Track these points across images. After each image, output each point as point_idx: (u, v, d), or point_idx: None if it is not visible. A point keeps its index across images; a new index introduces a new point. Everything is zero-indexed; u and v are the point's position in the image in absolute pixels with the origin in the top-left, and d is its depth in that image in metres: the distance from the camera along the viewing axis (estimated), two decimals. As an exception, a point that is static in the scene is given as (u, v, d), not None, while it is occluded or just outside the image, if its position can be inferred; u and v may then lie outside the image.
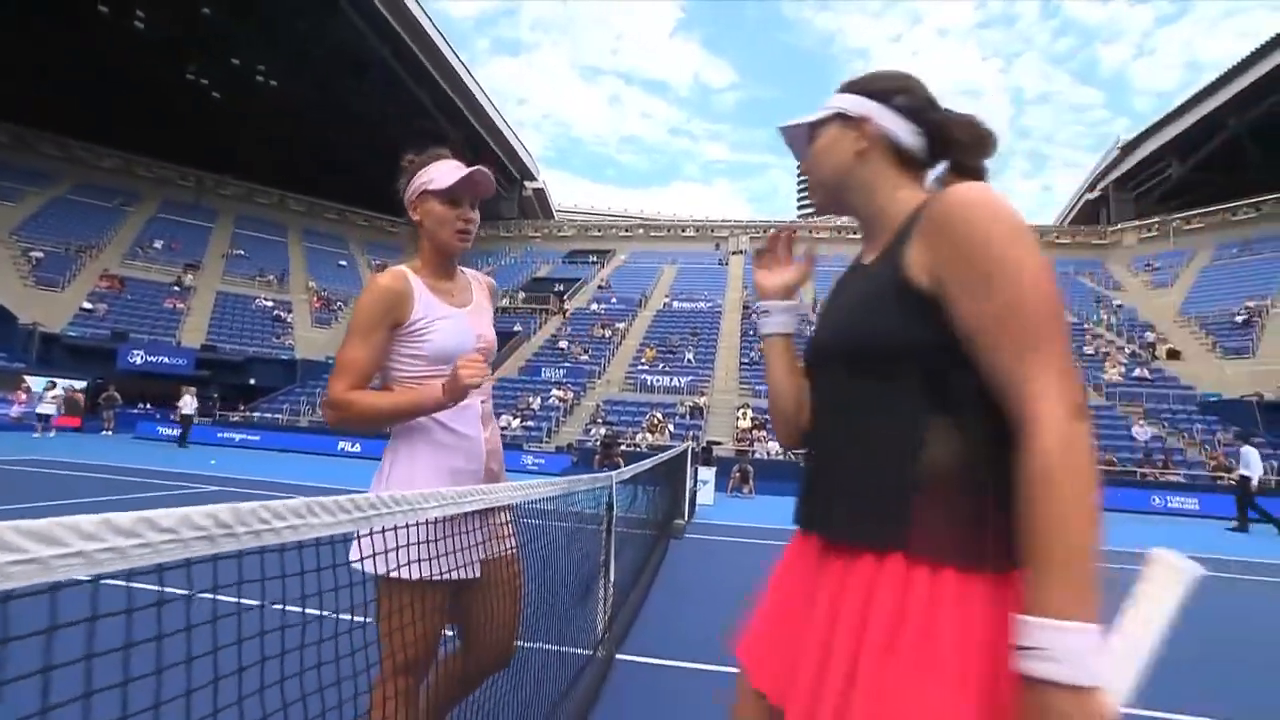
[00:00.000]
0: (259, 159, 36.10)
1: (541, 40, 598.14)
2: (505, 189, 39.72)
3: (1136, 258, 32.10)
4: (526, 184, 40.40)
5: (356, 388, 1.37)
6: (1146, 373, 20.70)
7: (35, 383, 17.82)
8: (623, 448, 11.47)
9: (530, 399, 19.76)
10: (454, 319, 1.51)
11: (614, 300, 28.98)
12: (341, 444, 17.58)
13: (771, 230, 0.96)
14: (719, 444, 15.50)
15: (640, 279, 32.00)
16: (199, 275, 28.79)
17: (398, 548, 1.08)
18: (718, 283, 31.27)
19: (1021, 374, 0.70)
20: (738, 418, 17.97)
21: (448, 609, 1.41)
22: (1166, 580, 0.67)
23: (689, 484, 8.02)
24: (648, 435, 16.59)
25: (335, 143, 35.48)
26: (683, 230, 38.52)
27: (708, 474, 10.14)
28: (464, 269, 1.71)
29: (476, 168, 1.53)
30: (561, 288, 30.03)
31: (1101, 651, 0.61)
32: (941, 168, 0.93)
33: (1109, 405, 19.27)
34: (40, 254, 25.47)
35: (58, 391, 17.23)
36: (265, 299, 28.95)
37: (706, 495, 9.97)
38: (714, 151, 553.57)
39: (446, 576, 1.27)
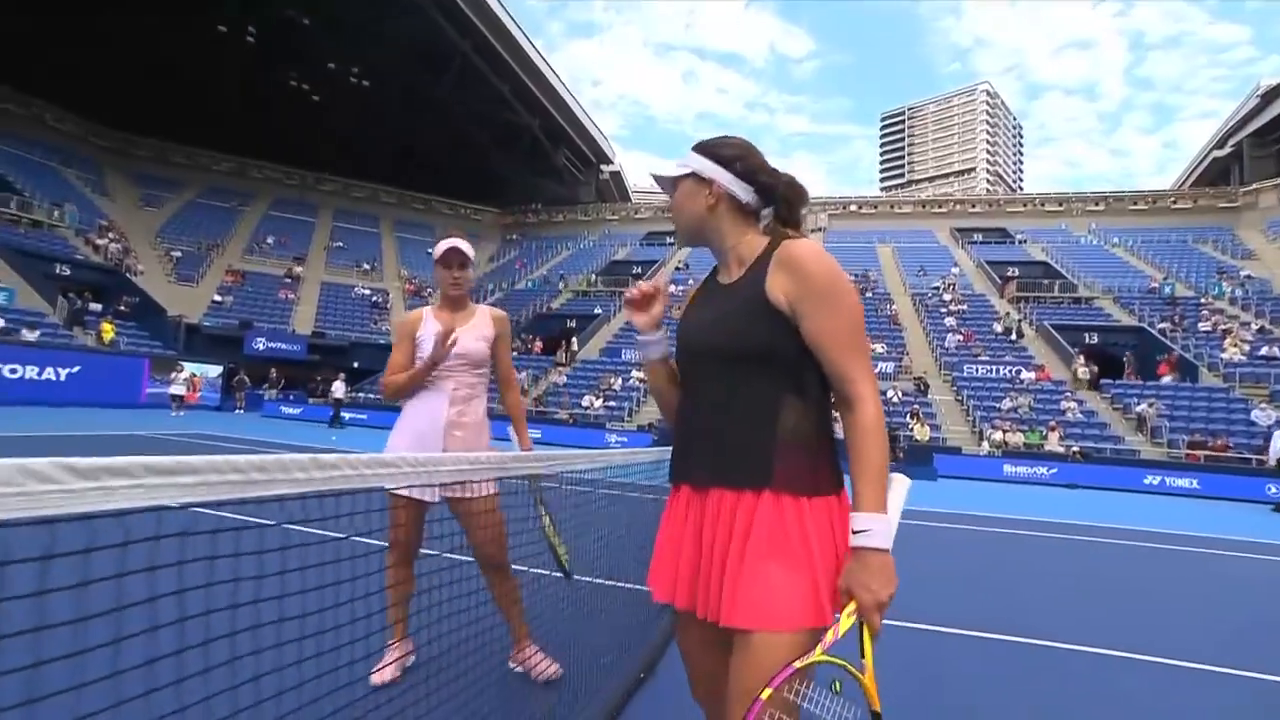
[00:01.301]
0: (353, 155, 39.01)
1: (614, 20, 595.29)
2: (583, 173, 40.97)
3: (1274, 220, 29.32)
4: (603, 168, 41.44)
5: (398, 375, 2.40)
6: (1278, 350, 19.29)
7: (191, 368, 20.82)
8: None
9: (612, 380, 20.93)
10: (438, 336, 2.34)
11: (692, 281, 29.56)
12: (440, 422, 19.42)
13: (638, 288, 1.31)
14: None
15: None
16: (305, 267, 31.81)
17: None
18: (795, 261, 31.26)
19: (849, 369, 1.09)
20: (813, 398, 18.38)
21: (452, 517, 2.31)
22: (900, 488, 1.14)
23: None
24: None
25: (421, 135, 37.80)
26: (759, 208, 38.51)
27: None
28: (483, 306, 2.56)
29: (449, 246, 2.38)
30: (640, 270, 30.97)
31: (890, 531, 1.05)
32: (768, 212, 1.26)
33: (1225, 387, 18.23)
34: (179, 253, 29.08)
35: (187, 375, 20.04)
36: (363, 287, 31.65)
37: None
38: (793, 124, 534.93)
39: (406, 493, 2.22)
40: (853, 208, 37.63)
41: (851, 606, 1.02)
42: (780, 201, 1.23)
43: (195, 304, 26.06)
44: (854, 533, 1.04)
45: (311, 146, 38.09)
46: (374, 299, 30.55)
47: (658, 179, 1.30)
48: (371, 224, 38.16)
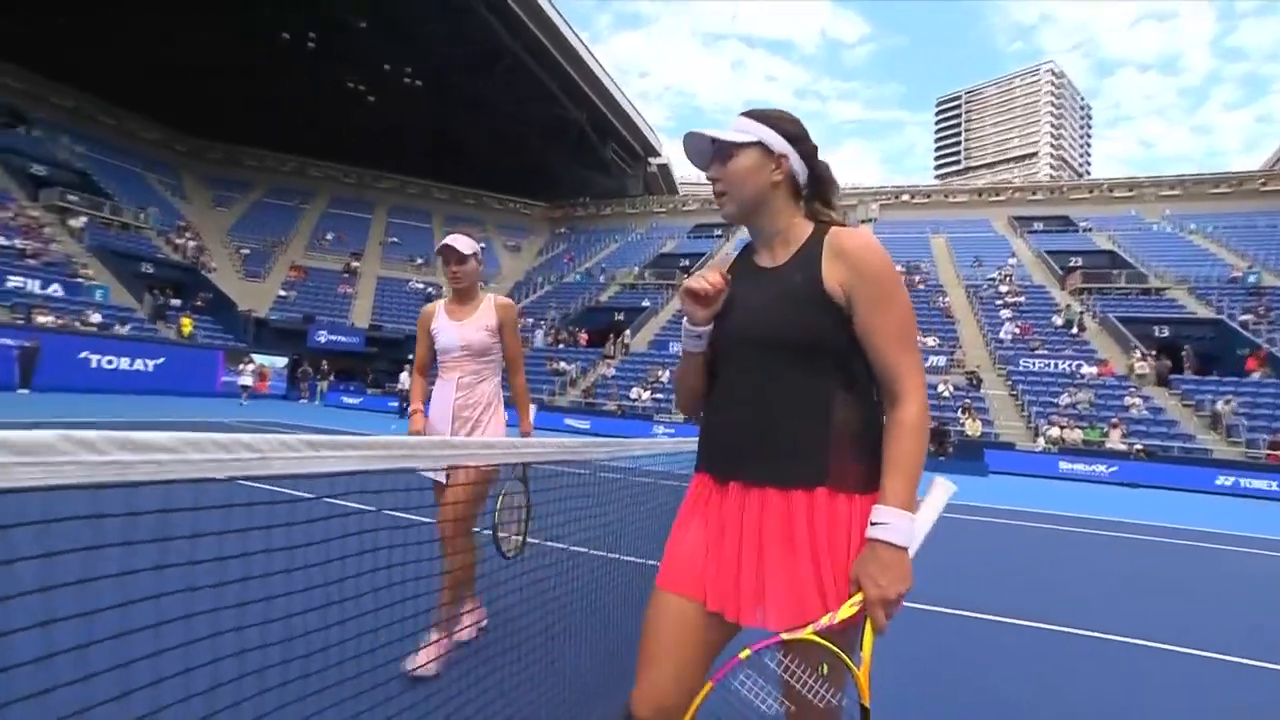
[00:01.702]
0: (407, 153, 40.32)
1: (661, 11, 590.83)
2: (630, 166, 41.29)
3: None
4: (651, 160, 41.64)
5: (420, 369, 2.70)
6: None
7: (260, 359, 22.17)
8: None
9: (659, 372, 21.25)
10: (446, 329, 2.62)
11: (715, 260, 29.59)
12: (492, 413, 20.16)
13: (707, 281, 1.17)
14: (841, 418, 16.06)
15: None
16: (362, 262, 33.18)
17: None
18: (844, 253, 30.86)
19: (899, 365, 1.07)
20: (862, 392, 18.29)
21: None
22: (941, 491, 1.11)
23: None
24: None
25: (472, 132, 38.78)
26: (807, 199, 38.03)
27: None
28: (490, 295, 2.74)
29: (442, 244, 2.62)
30: (687, 263, 31.13)
31: (913, 530, 1.02)
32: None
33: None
34: (247, 250, 30.79)
35: (254, 366, 21.30)
36: (417, 281, 32.83)
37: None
38: (845, 111, 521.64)
39: (427, 474, 2.49)
40: (905, 197, 36.79)
41: (857, 597, 1.01)
42: (829, 187, 1.22)
43: (262, 299, 27.60)
44: (872, 524, 1.03)
45: (367, 145, 39.57)
46: (428, 292, 31.68)
47: (714, 142, 1.18)
48: (424, 219, 39.42)
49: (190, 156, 37.16)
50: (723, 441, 1.17)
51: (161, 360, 19.30)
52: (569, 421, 19.42)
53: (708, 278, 1.18)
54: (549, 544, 2.19)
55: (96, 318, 19.21)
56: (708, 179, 1.21)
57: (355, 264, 32.70)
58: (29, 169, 25.03)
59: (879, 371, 1.09)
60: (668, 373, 21.15)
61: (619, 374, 22.38)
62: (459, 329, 2.61)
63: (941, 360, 20.92)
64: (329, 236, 34.73)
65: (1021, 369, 20.35)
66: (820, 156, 1.22)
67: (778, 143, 1.16)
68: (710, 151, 1.20)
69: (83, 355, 17.10)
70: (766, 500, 1.09)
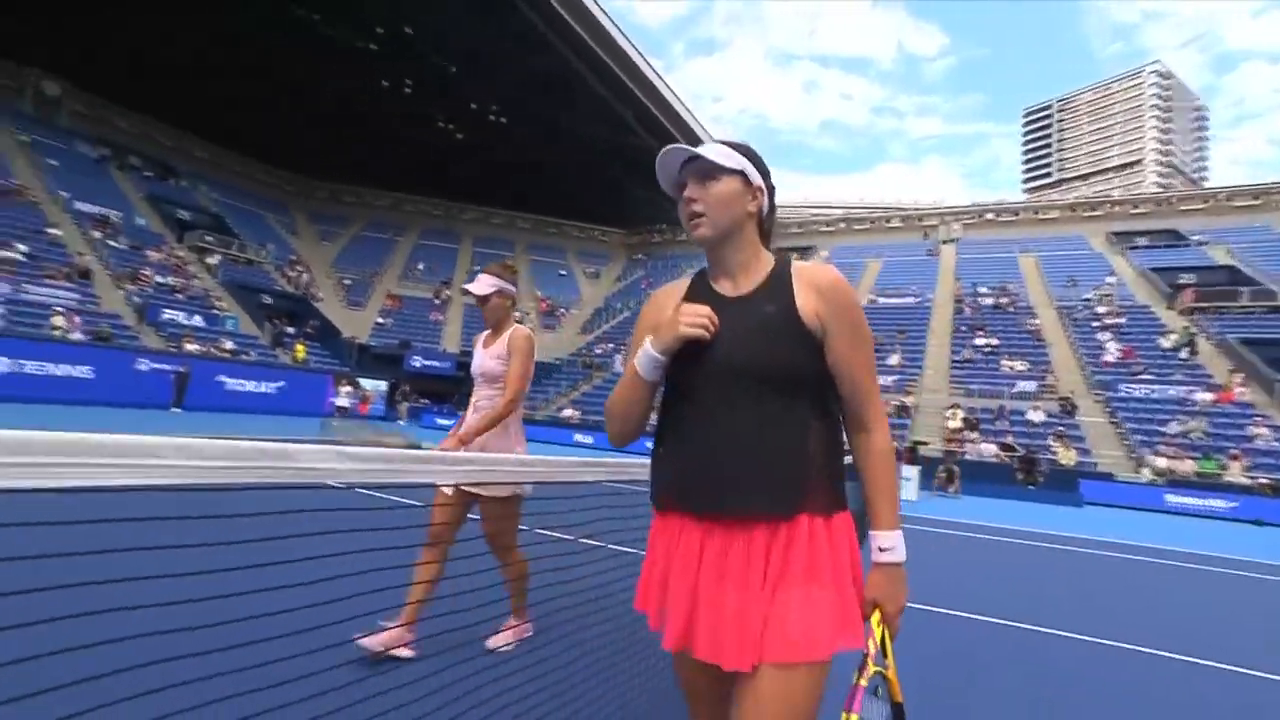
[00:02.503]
0: (491, 185, 42.91)
1: (734, 35, 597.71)
2: (702, 193, 42.18)
3: None
4: (724, 186, 42.49)
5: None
6: None
7: (366, 383, 24.29)
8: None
9: (734, 397, 21.77)
10: (475, 357, 2.92)
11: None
12: (576, 436, 21.25)
13: (704, 315, 1.14)
14: (924, 444, 16.03)
15: (844, 275, 32.25)
16: (451, 290, 35.51)
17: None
18: (927, 275, 30.44)
19: (868, 395, 1.16)
20: (947, 418, 18.13)
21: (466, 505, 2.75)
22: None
23: (891, 479, 9.30)
24: (850, 434, 17.61)
25: (552, 163, 40.87)
26: (888, 221, 37.64)
27: (910, 472, 11.20)
28: (514, 328, 2.92)
29: (464, 288, 2.98)
30: (760, 287, 31.57)
31: (903, 544, 1.15)
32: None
33: None
34: (349, 281, 33.68)
35: (348, 389, 23.30)
36: (503, 309, 34.77)
37: (909, 492, 11.06)
38: (924, 127, 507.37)
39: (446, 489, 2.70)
40: (990, 216, 35.82)
41: (877, 616, 1.12)
42: (771, 224, 1.28)
43: (363, 326, 30.11)
44: (879, 549, 1.14)
45: (455, 180, 42.42)
46: (515, 318, 33.55)
47: (694, 160, 1.19)
48: (508, 248, 41.72)
49: (300, 195, 41.05)
50: (697, 474, 1.14)
51: (281, 383, 21.56)
52: (648, 444, 20.21)
53: (702, 313, 1.15)
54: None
55: (229, 345, 21.73)
56: (682, 197, 1.20)
57: (445, 292, 35.05)
58: (176, 215, 28.64)
59: (849, 400, 1.16)
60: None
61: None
62: (481, 357, 2.91)
63: (1031, 386, 20.39)
64: (420, 266, 37.39)
65: (1122, 395, 19.54)
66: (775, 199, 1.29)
67: (756, 176, 1.21)
68: (678, 173, 1.21)
69: (220, 379, 19.43)
70: (749, 532, 1.10)
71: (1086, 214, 34.40)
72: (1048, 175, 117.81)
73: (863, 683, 1.05)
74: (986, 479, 14.53)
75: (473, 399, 2.91)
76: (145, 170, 31.27)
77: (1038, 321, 24.60)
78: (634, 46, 32.86)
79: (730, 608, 1.09)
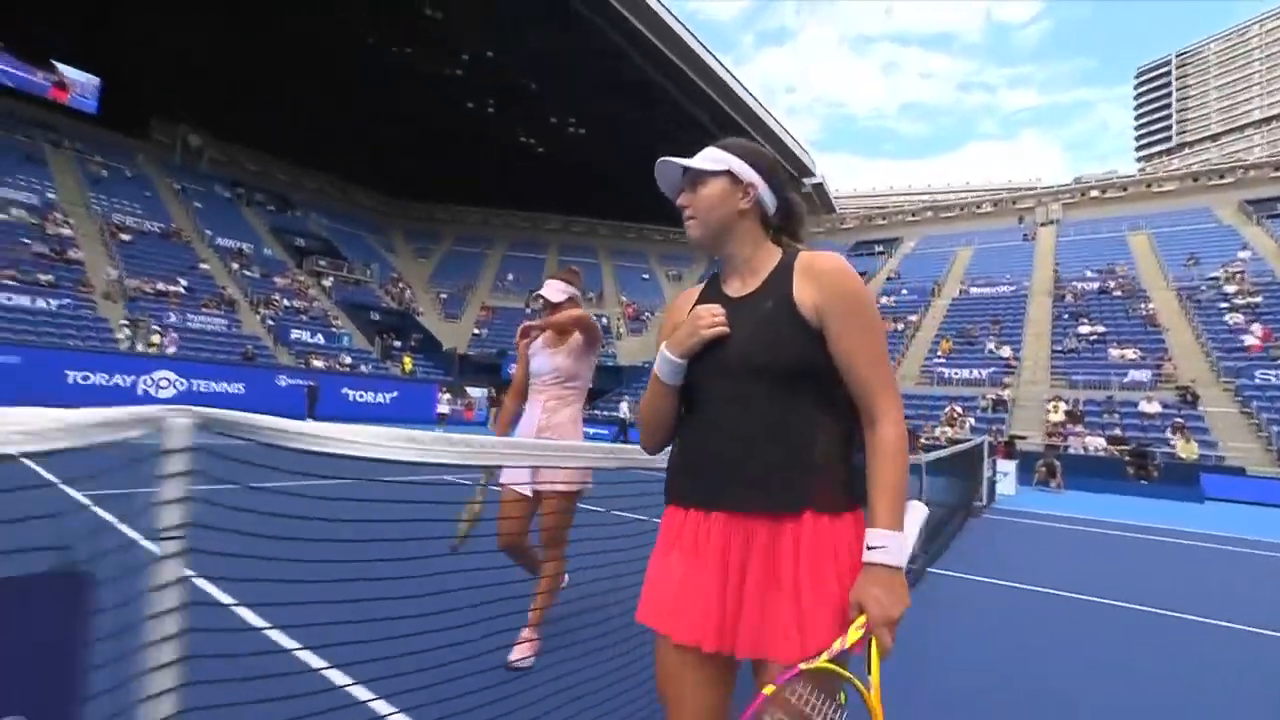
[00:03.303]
0: (573, 194, 44.65)
1: (806, 22, 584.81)
2: (781, 189, 42.22)
3: None
4: (805, 181, 42.28)
5: (517, 392, 3.07)
6: None
7: (473, 391, 26.25)
8: (922, 441, 13.10)
9: (823, 395, 22.00)
10: (540, 355, 2.95)
11: (904, 291, 29.36)
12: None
13: (716, 315, 1.18)
14: (1023, 438, 15.80)
15: (932, 265, 31.58)
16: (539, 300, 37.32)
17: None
18: (1022, 262, 29.26)
19: (876, 386, 1.13)
20: (1048, 410, 17.68)
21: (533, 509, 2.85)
22: (915, 514, 1.18)
23: (987, 473, 9.58)
24: (946, 429, 17.54)
25: (630, 170, 41.92)
26: (978, 207, 36.23)
27: (1007, 466, 11.30)
28: (579, 332, 2.96)
29: (538, 294, 3.09)
30: (845, 283, 31.33)
31: (904, 548, 1.08)
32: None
33: None
34: (445, 294, 36.17)
35: (448, 396, 25.14)
36: (590, 313, 36.26)
37: (1007, 486, 11.17)
38: (1016, 99, 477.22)
39: (510, 487, 2.85)
40: (1095, 193, 33.82)
41: (861, 620, 1.03)
42: (796, 220, 1.29)
43: (461, 337, 32.34)
44: (869, 548, 1.07)
45: (538, 191, 44.45)
46: (602, 323, 35.03)
47: (665, 168, 1.27)
48: (591, 255, 43.31)
49: (396, 216, 44.30)
50: (706, 471, 1.18)
51: (395, 393, 23.72)
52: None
53: (716, 312, 1.19)
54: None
55: (348, 360, 24.15)
56: (678, 205, 1.27)
57: (536, 303, 36.95)
58: (295, 243, 31.90)
59: (856, 393, 1.14)
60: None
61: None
62: (550, 356, 2.94)
63: (1145, 375, 19.43)
64: (510, 277, 39.54)
65: (1257, 383, 18.27)
66: (790, 192, 1.28)
67: (746, 172, 1.23)
68: (680, 181, 1.27)
69: (344, 390, 21.71)
70: (755, 528, 1.12)
71: (1212, 183, 31.82)
72: (1166, 140, 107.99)
73: (802, 665, 0.99)
74: (1093, 474, 14.18)
75: (539, 398, 2.93)
76: (268, 204, 34.93)
77: (1152, 306, 23.24)
78: (709, 51, 33.48)
79: (736, 601, 1.11)
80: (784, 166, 1.30)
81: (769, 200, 1.26)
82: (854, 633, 1.03)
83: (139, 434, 0.88)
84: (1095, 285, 25.52)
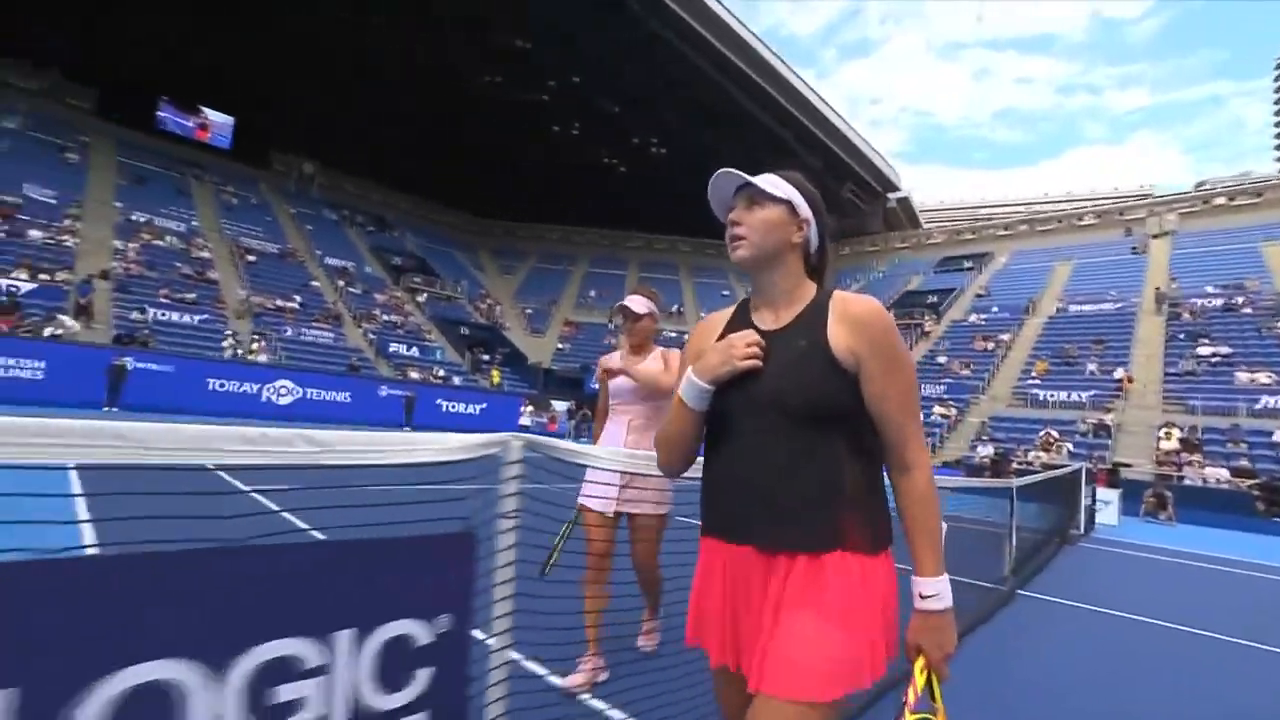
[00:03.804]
0: (654, 212, 45.65)
1: (891, 32, 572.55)
2: (868, 203, 41.65)
3: None
4: (890, 195, 41.53)
5: (601, 414, 3.08)
6: None
7: (557, 405, 27.38)
8: (1014, 465, 12.78)
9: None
10: (620, 377, 2.93)
11: (995, 309, 28.33)
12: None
13: (756, 343, 1.20)
14: (1128, 465, 15.03)
15: (1026, 282, 30.29)
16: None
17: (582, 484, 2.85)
18: (1130, 277, 27.56)
19: (907, 432, 1.16)
20: (1160, 437, 16.70)
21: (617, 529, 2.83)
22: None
23: (1085, 501, 9.36)
24: (1040, 454, 16.90)
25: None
26: (1079, 219, 34.34)
27: (1109, 495, 10.90)
28: (660, 349, 3.03)
29: (621, 305, 3.04)
30: (935, 299, 30.56)
31: (949, 589, 1.14)
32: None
33: None
34: (530, 310, 37.79)
35: (530, 409, 26.18)
36: (669, 331, 36.91)
37: (1109, 515, 10.77)
38: (1126, 100, 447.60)
39: (598, 508, 2.79)
40: (1219, 200, 31.34)
41: (921, 662, 1.12)
42: (825, 263, 1.30)
43: (545, 351, 33.70)
44: (922, 597, 1.13)
45: (619, 210, 45.73)
46: (683, 339, 35.63)
47: (744, 188, 1.27)
48: (672, 272, 44.11)
49: (482, 235, 46.69)
50: (734, 506, 1.20)
51: (484, 405, 25.07)
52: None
53: (753, 342, 1.21)
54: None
55: (441, 372, 25.75)
56: (727, 220, 1.27)
57: (617, 318, 37.97)
58: (392, 261, 34.32)
59: (886, 439, 1.17)
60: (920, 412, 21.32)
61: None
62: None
63: (1276, 401, 17.97)
64: (592, 294, 40.82)
65: None
66: (828, 238, 1.31)
67: (804, 208, 1.25)
68: (730, 197, 1.29)
69: (438, 401, 23.21)
70: (784, 566, 1.14)
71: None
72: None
73: (909, 717, 1.07)
74: (1212, 507, 13.31)
75: (624, 418, 2.92)
76: (367, 225, 37.74)
77: (1290, 325, 21.40)
78: (790, 68, 33.68)
79: (755, 633, 1.15)
80: (827, 217, 1.32)
81: (814, 240, 1.29)
82: (919, 676, 1.12)
83: (496, 450, 1.43)
84: (1219, 302, 23.72)
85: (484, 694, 1.41)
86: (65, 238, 21.02)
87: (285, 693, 1.06)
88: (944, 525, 1.18)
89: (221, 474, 6.23)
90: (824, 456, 1.14)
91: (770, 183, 1.25)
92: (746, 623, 1.17)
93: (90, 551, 1.01)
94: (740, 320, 1.30)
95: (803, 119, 35.57)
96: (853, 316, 1.16)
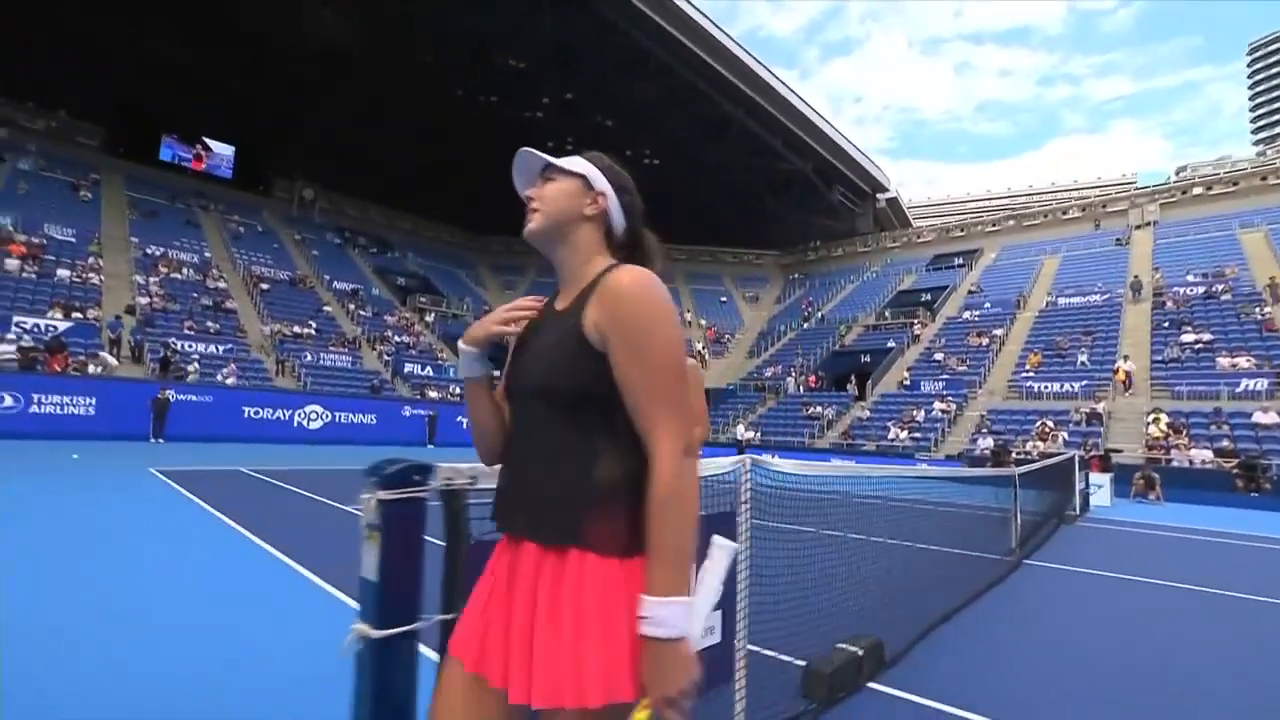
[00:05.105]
0: (648, 223, 46.73)
1: (872, 30, 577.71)
2: (858, 205, 43.01)
3: None
4: (879, 196, 42.88)
5: None
6: None
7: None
8: (1014, 455, 13.95)
9: (914, 411, 22.75)
10: None
11: (987, 305, 29.57)
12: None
13: (521, 311, 1.19)
14: (1118, 451, 16.24)
15: (1015, 277, 31.59)
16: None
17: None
18: (1114, 268, 28.93)
19: (652, 419, 1.02)
20: (1148, 423, 17.93)
21: None
22: (720, 556, 1.08)
23: (1079, 486, 10.51)
24: (1038, 443, 18.08)
25: (703, 195, 43.94)
26: (1063, 213, 35.72)
27: (1102, 479, 12.06)
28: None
29: None
30: (929, 297, 31.79)
31: (687, 614, 0.96)
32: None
33: None
34: (533, 324, 38.78)
35: None
36: (669, 338, 38.04)
37: (1102, 498, 11.93)
38: (1106, 89, 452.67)
39: None
40: (1196, 190, 32.81)
41: (644, 701, 0.97)
42: (643, 253, 1.25)
43: (551, 364, 34.67)
44: (639, 618, 0.98)
45: (614, 220, 46.87)
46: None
47: (528, 160, 1.24)
48: (668, 280, 45.06)
49: (480, 251, 47.70)
50: (500, 496, 1.16)
51: (499, 420, 26.04)
52: (835, 461, 21.85)
53: (521, 307, 1.21)
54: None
55: (456, 390, 26.70)
56: (525, 198, 1.23)
57: (615, 327, 39.07)
58: (398, 282, 35.29)
59: (638, 427, 1.05)
60: (922, 412, 22.53)
61: (874, 415, 24.20)
62: None
63: (1262, 384, 19.20)
64: (591, 305, 41.89)
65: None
66: (642, 226, 1.26)
67: (600, 180, 1.20)
68: (536, 176, 1.24)
69: (459, 419, 24.17)
70: (531, 558, 1.06)
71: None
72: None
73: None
74: (1196, 486, 14.48)
75: None
76: (370, 247, 38.70)
77: (1269, 310, 22.69)
78: (777, 77, 34.99)
79: (509, 632, 1.05)
80: (639, 200, 1.28)
81: (617, 217, 1.22)
82: (639, 714, 0.96)
83: (732, 469, 2.47)
84: (1200, 290, 25.05)
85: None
86: (91, 275, 21.92)
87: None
88: (696, 536, 1.02)
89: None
90: (576, 444, 1.06)
91: (568, 160, 1.23)
92: (494, 620, 1.09)
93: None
94: (547, 306, 1.25)
95: (792, 126, 36.88)
96: (605, 291, 1.07)
